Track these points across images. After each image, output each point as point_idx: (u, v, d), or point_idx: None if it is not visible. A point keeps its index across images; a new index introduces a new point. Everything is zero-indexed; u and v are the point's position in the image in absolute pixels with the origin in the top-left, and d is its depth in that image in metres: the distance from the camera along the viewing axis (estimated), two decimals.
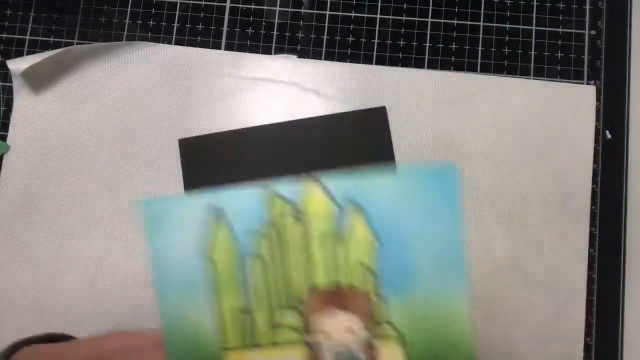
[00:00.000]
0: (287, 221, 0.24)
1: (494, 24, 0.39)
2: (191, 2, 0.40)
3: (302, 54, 0.39)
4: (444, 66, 0.38)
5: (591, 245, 0.36)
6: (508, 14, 0.39)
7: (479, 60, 0.38)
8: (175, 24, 0.39)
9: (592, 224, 0.36)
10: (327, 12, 0.39)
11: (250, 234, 0.24)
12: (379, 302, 0.24)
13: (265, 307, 0.24)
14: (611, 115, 0.38)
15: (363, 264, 0.24)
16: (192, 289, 0.24)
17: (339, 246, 0.24)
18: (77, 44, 0.39)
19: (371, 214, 0.24)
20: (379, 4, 0.39)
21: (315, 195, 0.24)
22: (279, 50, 0.39)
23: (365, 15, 0.39)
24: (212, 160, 0.37)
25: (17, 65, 0.36)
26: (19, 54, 0.39)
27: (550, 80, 0.38)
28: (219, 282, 0.24)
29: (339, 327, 0.24)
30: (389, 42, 0.39)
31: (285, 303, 0.24)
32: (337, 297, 0.24)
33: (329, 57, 0.39)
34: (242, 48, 0.39)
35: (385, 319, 0.24)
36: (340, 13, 0.39)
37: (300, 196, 0.24)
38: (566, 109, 0.37)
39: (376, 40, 0.39)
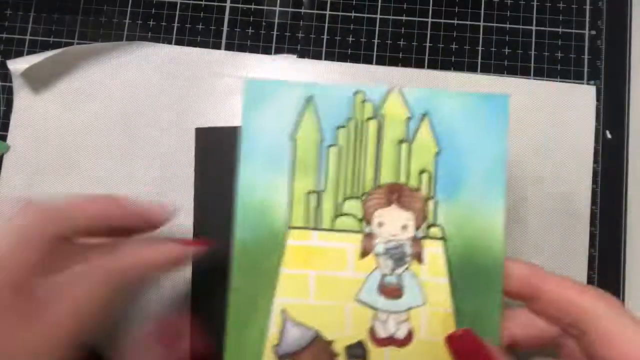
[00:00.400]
0: (366, 119, 0.28)
1: (494, 24, 0.39)
2: (191, 2, 0.40)
3: (302, 54, 0.39)
4: (444, 66, 0.38)
5: (591, 245, 0.36)
6: (508, 14, 0.39)
7: (479, 60, 0.38)
8: (175, 24, 0.39)
9: (592, 224, 0.36)
10: (327, 12, 0.39)
11: (334, 125, 0.28)
12: (433, 205, 0.27)
13: (334, 194, 0.27)
14: (611, 115, 0.38)
15: (424, 168, 0.27)
16: (273, 166, 0.27)
17: (406, 149, 0.28)
18: (77, 44, 0.39)
19: (435, 122, 0.27)
20: (379, 4, 0.39)
21: (394, 99, 0.28)
22: (279, 50, 0.39)
23: (365, 15, 0.39)
24: (228, 150, 0.36)
25: (17, 65, 0.36)
26: (19, 54, 0.39)
27: (550, 80, 0.38)
28: (298, 163, 0.27)
29: (395, 223, 0.27)
30: (389, 42, 0.39)
31: (351, 193, 0.27)
32: (398, 195, 0.27)
33: (329, 57, 0.39)
34: (242, 48, 0.39)
35: (435, 221, 0.27)
36: (340, 13, 0.39)
37: (382, 99, 0.28)
38: (566, 109, 0.37)
39: (376, 40, 0.39)
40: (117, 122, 0.37)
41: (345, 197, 0.27)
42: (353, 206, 0.27)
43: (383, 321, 0.27)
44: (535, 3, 0.39)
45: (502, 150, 0.27)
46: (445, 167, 0.27)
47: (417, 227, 0.27)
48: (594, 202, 0.37)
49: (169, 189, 0.36)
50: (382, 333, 0.27)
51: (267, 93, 0.28)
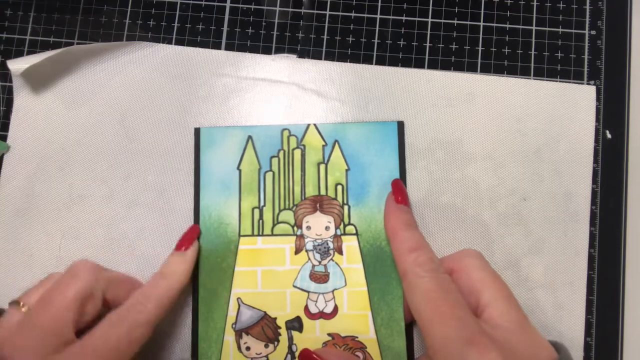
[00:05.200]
0: (292, 149, 0.36)
1: (494, 24, 0.39)
2: (191, 2, 0.40)
3: (302, 54, 0.39)
4: (444, 66, 0.38)
5: (591, 245, 0.36)
6: (508, 14, 0.39)
7: (479, 60, 0.38)
8: (175, 24, 0.39)
9: (592, 224, 0.36)
10: (327, 12, 0.39)
11: (268, 155, 0.36)
12: (347, 210, 0.35)
13: (271, 207, 0.35)
14: (611, 115, 0.38)
15: (338, 182, 0.36)
16: (225, 191, 0.36)
17: (323, 168, 0.36)
18: (77, 44, 0.39)
19: (344, 147, 0.36)
20: (379, 4, 0.39)
21: (312, 133, 0.36)
22: (279, 50, 0.39)
23: (365, 15, 0.39)
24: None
25: (17, 65, 0.36)
26: (19, 54, 0.39)
27: (550, 80, 0.38)
28: (243, 186, 0.36)
29: (319, 225, 0.35)
30: (389, 42, 0.39)
31: (284, 206, 0.35)
32: (320, 203, 0.36)
33: (329, 57, 0.39)
34: (242, 48, 0.39)
35: (349, 221, 0.35)
36: (340, 13, 0.39)
37: (303, 133, 0.36)
38: (566, 109, 0.37)
39: (376, 40, 0.39)
40: (117, 122, 0.37)
41: (280, 209, 0.35)
42: (287, 215, 0.35)
43: (314, 300, 0.34)
44: (535, 3, 0.39)
45: (395, 164, 0.36)
46: (354, 181, 0.36)
47: (337, 227, 0.35)
48: (594, 202, 0.37)
49: (168, 188, 0.36)
50: (314, 309, 0.34)
51: (217, 136, 0.36)
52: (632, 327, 0.36)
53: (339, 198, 0.35)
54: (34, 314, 0.28)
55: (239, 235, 0.35)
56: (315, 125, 0.36)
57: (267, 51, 0.39)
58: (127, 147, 0.37)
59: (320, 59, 0.39)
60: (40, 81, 0.37)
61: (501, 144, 0.37)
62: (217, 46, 0.39)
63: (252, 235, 0.35)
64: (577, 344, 0.35)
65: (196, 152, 0.36)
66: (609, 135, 0.37)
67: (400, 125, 0.36)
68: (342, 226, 0.35)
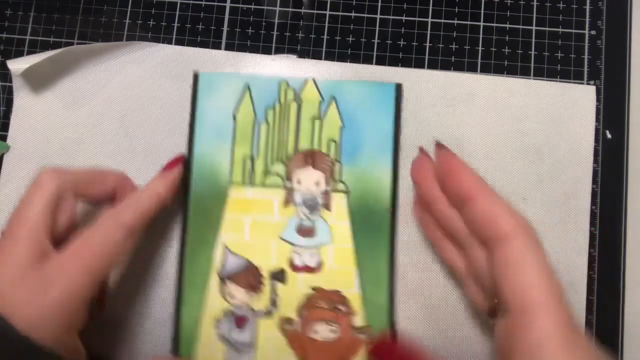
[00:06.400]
0: (289, 101, 0.36)
1: (494, 24, 0.39)
2: (191, 2, 0.40)
3: (302, 54, 0.39)
4: (444, 66, 0.38)
5: (591, 245, 0.36)
6: (508, 14, 0.39)
7: (479, 60, 0.38)
8: (175, 24, 0.39)
9: (592, 224, 0.36)
10: (327, 12, 0.39)
11: (265, 106, 0.36)
12: (338, 167, 0.36)
13: (264, 158, 0.36)
14: (611, 115, 0.38)
15: (332, 138, 0.36)
16: (219, 137, 0.36)
17: (318, 124, 0.36)
18: (77, 44, 0.39)
19: (341, 104, 0.36)
20: (379, 4, 0.39)
21: (310, 87, 0.37)
22: (279, 50, 0.39)
23: (365, 15, 0.39)
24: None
25: (17, 65, 0.36)
26: (19, 54, 0.39)
27: (550, 80, 0.38)
28: (238, 135, 0.36)
29: (310, 180, 0.36)
30: (389, 42, 0.39)
31: (277, 158, 0.36)
32: (312, 158, 0.36)
33: (329, 57, 0.39)
34: (242, 48, 0.39)
35: (340, 178, 0.36)
36: (340, 13, 0.39)
37: (301, 87, 0.37)
38: (566, 109, 0.37)
39: (376, 40, 0.39)
40: (117, 122, 0.37)
41: (273, 161, 0.36)
42: (278, 167, 0.36)
43: (299, 254, 0.35)
44: (535, 3, 0.39)
45: (390, 126, 0.36)
46: (348, 138, 0.36)
47: (327, 183, 0.35)
48: (594, 202, 0.37)
49: None
50: (298, 263, 0.35)
51: (215, 82, 0.36)
52: (632, 327, 0.36)
53: (332, 154, 0.36)
54: (7, 232, 0.28)
55: (230, 183, 0.35)
56: (314, 80, 0.36)
57: (267, 51, 0.39)
58: (127, 147, 0.37)
59: (320, 59, 0.39)
60: (40, 81, 0.37)
61: (501, 144, 0.37)
62: (217, 46, 0.39)
63: (243, 184, 0.35)
64: None
65: (193, 98, 0.36)
66: (609, 135, 0.37)
67: (398, 88, 0.36)
68: (332, 182, 0.35)
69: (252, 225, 0.35)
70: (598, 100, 0.37)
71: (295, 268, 0.35)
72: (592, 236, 0.36)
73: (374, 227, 0.35)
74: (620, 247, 0.37)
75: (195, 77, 0.36)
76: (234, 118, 0.36)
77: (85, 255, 0.28)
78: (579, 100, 0.37)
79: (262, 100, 0.36)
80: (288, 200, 0.35)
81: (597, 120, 0.37)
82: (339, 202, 0.35)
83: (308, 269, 0.35)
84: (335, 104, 0.36)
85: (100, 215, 0.30)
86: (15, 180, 0.37)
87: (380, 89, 0.36)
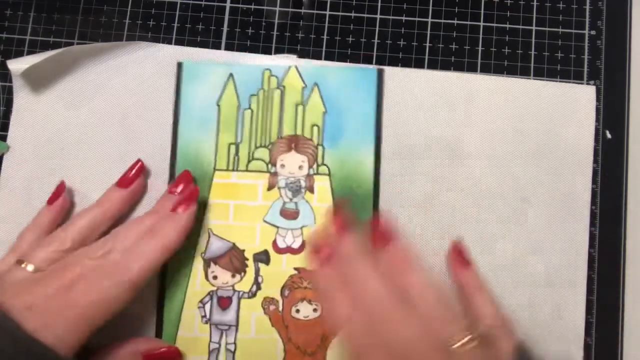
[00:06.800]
0: (272, 88, 0.37)
1: (494, 24, 0.39)
2: (191, 2, 0.40)
3: (302, 54, 0.39)
4: (444, 66, 0.38)
5: (591, 245, 0.36)
6: (508, 14, 0.39)
7: (479, 60, 0.38)
8: (175, 24, 0.39)
9: (592, 224, 0.36)
10: (327, 12, 0.39)
11: (248, 93, 0.37)
12: (321, 150, 0.36)
13: (248, 144, 0.37)
14: (611, 115, 0.38)
15: (315, 123, 0.37)
16: (204, 125, 0.37)
17: (301, 110, 0.37)
18: (77, 44, 0.39)
19: (323, 90, 0.37)
20: (379, 4, 0.39)
21: (292, 74, 0.37)
22: (279, 50, 0.39)
23: (365, 15, 0.39)
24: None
25: (17, 65, 0.36)
26: (19, 54, 0.39)
27: (550, 80, 0.38)
28: (222, 122, 0.37)
29: (293, 164, 0.36)
30: (389, 42, 0.39)
31: (261, 143, 0.37)
32: (295, 143, 0.37)
33: (329, 57, 0.39)
34: (242, 48, 0.39)
35: (323, 162, 0.36)
36: (340, 13, 0.39)
37: (284, 74, 0.37)
38: (566, 109, 0.37)
39: (376, 40, 0.39)
40: (117, 122, 0.37)
41: (256, 146, 0.36)
42: (262, 153, 0.36)
43: (283, 236, 0.36)
44: (535, 3, 0.39)
45: (372, 110, 0.37)
46: (330, 123, 0.37)
47: (310, 167, 0.36)
48: (594, 202, 0.37)
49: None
50: (282, 244, 0.36)
51: (199, 71, 0.37)
52: (632, 327, 0.36)
53: (315, 139, 0.36)
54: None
55: (214, 169, 0.36)
56: (296, 67, 0.37)
57: (267, 51, 0.39)
58: (127, 147, 0.37)
59: (320, 59, 0.39)
60: (40, 81, 0.37)
61: (501, 144, 0.37)
62: (217, 46, 0.39)
63: (227, 169, 0.36)
64: (577, 344, 0.35)
65: (177, 86, 0.37)
66: (609, 135, 0.37)
67: (380, 73, 0.37)
68: (315, 166, 0.36)
69: (236, 209, 0.36)
70: (598, 100, 0.37)
71: (278, 250, 0.36)
72: (592, 236, 0.36)
73: (355, 208, 0.35)
74: (620, 247, 0.37)
75: (179, 66, 0.37)
76: (218, 106, 0.36)
77: (85, 305, 0.29)
78: (578, 100, 0.37)
79: (246, 88, 0.37)
80: (272, 185, 0.36)
81: (597, 120, 0.37)
82: (322, 184, 0.36)
83: (291, 250, 0.36)
84: (318, 90, 0.37)
85: (109, 261, 0.30)
86: (15, 180, 0.37)
87: (362, 74, 0.37)
